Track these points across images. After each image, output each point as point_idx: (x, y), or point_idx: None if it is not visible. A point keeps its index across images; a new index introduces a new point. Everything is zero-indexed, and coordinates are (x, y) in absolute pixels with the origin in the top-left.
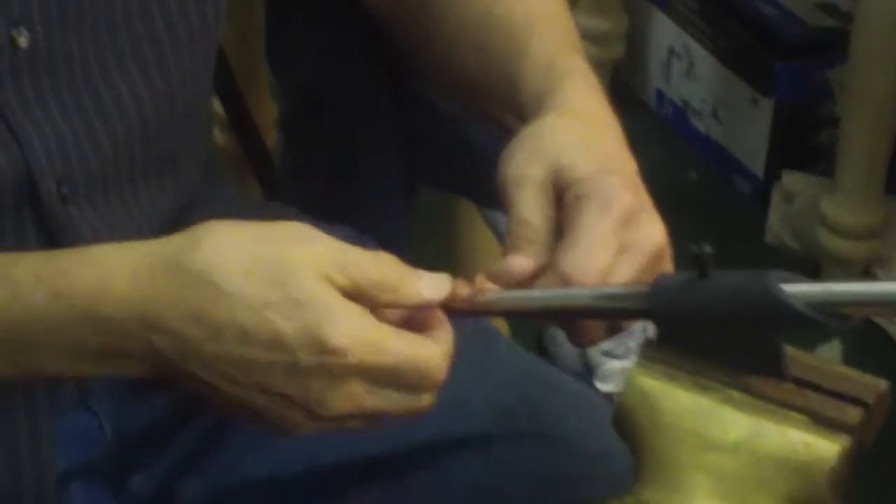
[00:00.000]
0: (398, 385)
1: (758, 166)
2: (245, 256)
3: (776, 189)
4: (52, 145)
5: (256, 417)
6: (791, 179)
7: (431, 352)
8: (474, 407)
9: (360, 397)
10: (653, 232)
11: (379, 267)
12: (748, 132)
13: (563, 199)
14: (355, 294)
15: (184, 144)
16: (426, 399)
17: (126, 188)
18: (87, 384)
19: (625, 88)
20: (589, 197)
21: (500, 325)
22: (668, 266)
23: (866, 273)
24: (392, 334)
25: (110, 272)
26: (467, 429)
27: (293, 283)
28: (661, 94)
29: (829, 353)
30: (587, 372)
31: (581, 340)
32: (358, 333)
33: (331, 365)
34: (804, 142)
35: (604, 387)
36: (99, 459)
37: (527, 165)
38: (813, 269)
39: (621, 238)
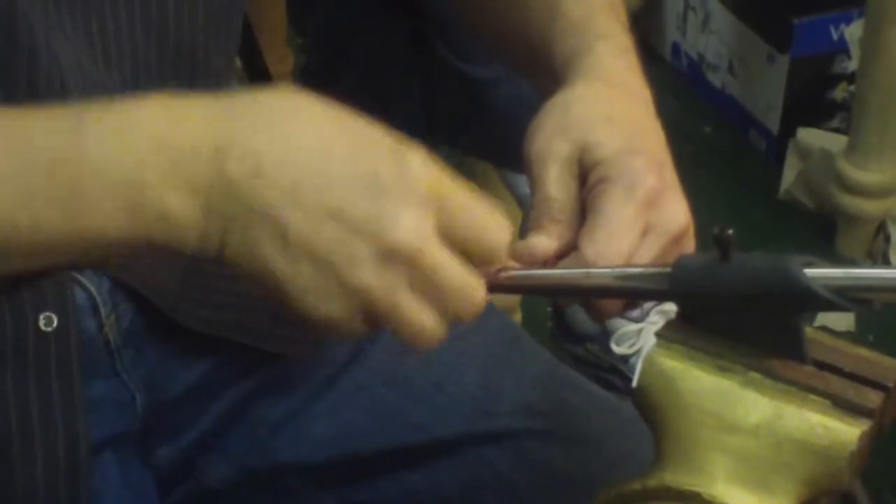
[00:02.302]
0: (467, 232)
1: (773, 122)
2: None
3: (791, 145)
4: (75, 67)
5: (309, 262)
6: (806, 136)
7: (491, 208)
8: (502, 402)
9: (428, 234)
10: (676, 213)
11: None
12: (764, 88)
13: (588, 180)
14: None
15: (189, 85)
16: (480, 283)
17: None
18: (118, 351)
19: (640, 41)
20: (613, 180)
21: (514, 310)
22: (690, 245)
23: (880, 231)
24: (465, 189)
25: (182, 108)
26: (494, 423)
27: (372, 125)
28: (676, 48)
29: (843, 317)
30: (603, 335)
31: (599, 315)
32: (433, 163)
33: (410, 178)
34: (820, 98)
35: (619, 349)
36: (130, 429)
37: (553, 141)
38: (827, 226)
39: (645, 220)
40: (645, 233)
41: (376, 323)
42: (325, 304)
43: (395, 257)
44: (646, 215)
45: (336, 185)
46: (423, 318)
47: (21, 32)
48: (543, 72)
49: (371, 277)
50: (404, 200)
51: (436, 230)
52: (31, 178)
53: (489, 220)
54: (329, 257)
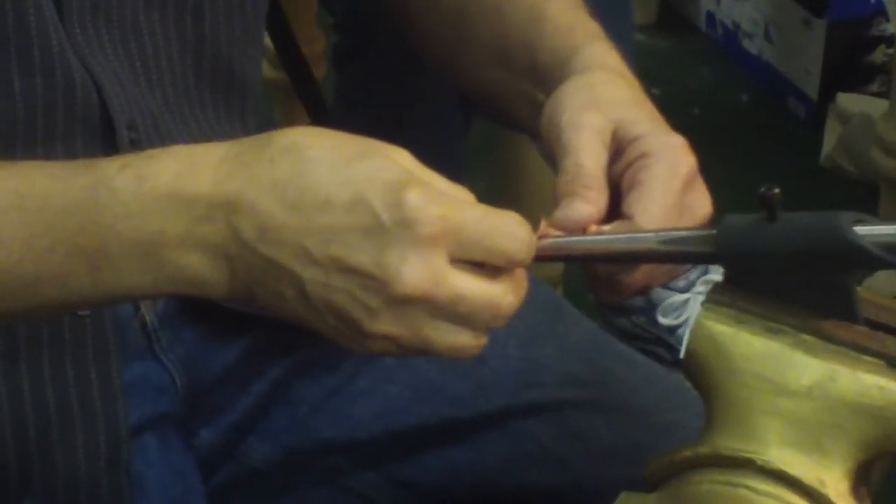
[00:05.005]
0: (481, 249)
1: (811, 88)
2: (334, 139)
3: (831, 111)
4: (118, 88)
5: (329, 313)
6: (846, 101)
7: (505, 214)
8: (546, 373)
9: (441, 273)
10: (705, 199)
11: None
12: (801, 54)
13: (625, 154)
14: None
15: (224, 98)
16: (507, 289)
17: (186, 139)
18: (156, 333)
19: (674, 10)
20: (657, 156)
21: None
22: None
23: None
24: (465, 198)
25: (197, 159)
26: (539, 395)
27: (378, 155)
28: (711, 17)
29: (889, 282)
30: (649, 306)
31: (609, 297)
32: (434, 195)
33: (411, 222)
34: (858, 62)
35: (665, 320)
36: (171, 411)
37: (586, 112)
38: (869, 191)
39: (683, 200)
40: (680, 213)
41: (414, 352)
42: (358, 346)
43: (409, 302)
44: (685, 194)
45: (339, 235)
46: (455, 339)
47: (55, 59)
48: (524, 78)
49: (391, 324)
50: (407, 245)
51: (448, 258)
52: (52, 240)
53: (501, 230)
54: (347, 310)
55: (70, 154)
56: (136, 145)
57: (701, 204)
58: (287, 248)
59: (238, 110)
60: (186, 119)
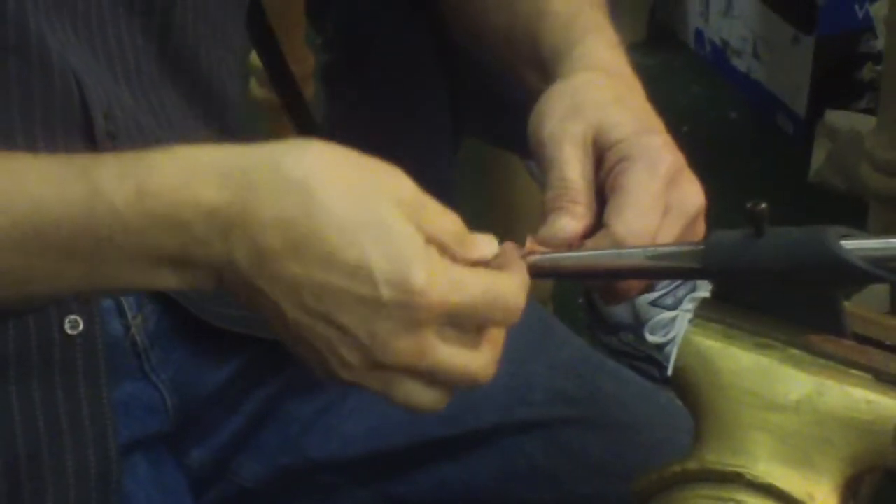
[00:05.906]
0: (476, 322)
1: (800, 105)
2: (346, 174)
3: (819, 127)
4: (94, 79)
5: (307, 348)
6: (834, 117)
7: (508, 281)
8: (536, 390)
9: (429, 347)
10: (694, 192)
11: (454, 221)
12: (789, 70)
13: (605, 160)
14: (432, 242)
15: (188, 97)
16: (485, 353)
17: (160, 135)
18: (146, 353)
19: (663, 28)
20: (634, 158)
21: (545, 302)
22: (702, 226)
23: None
24: (468, 270)
25: (199, 173)
26: (529, 412)
27: (388, 215)
28: (700, 34)
29: (876, 300)
30: (637, 324)
31: (614, 298)
32: (439, 273)
33: (410, 306)
34: (847, 79)
35: (653, 338)
36: (161, 431)
37: (567, 122)
38: (858, 207)
39: (666, 199)
40: (665, 212)
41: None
42: (325, 377)
43: (386, 368)
44: (667, 193)
45: (334, 295)
46: (421, 398)
47: (34, 49)
48: (529, 68)
49: (363, 379)
50: (401, 325)
51: (437, 332)
52: (44, 244)
53: (497, 304)
54: (322, 353)
55: (50, 142)
56: (114, 137)
57: (689, 199)
58: (279, 286)
59: (201, 110)
60: (157, 114)
